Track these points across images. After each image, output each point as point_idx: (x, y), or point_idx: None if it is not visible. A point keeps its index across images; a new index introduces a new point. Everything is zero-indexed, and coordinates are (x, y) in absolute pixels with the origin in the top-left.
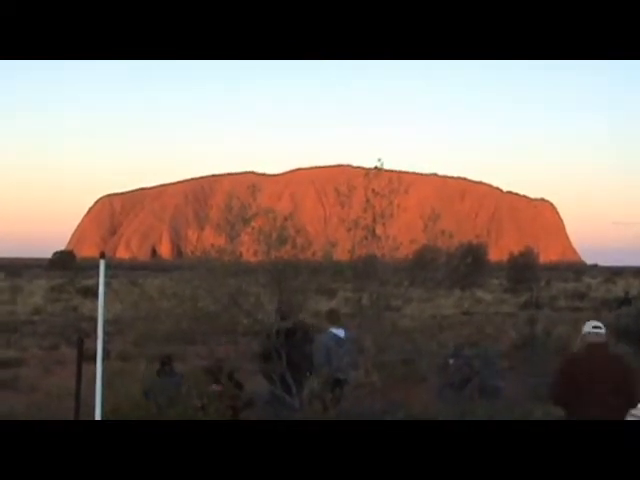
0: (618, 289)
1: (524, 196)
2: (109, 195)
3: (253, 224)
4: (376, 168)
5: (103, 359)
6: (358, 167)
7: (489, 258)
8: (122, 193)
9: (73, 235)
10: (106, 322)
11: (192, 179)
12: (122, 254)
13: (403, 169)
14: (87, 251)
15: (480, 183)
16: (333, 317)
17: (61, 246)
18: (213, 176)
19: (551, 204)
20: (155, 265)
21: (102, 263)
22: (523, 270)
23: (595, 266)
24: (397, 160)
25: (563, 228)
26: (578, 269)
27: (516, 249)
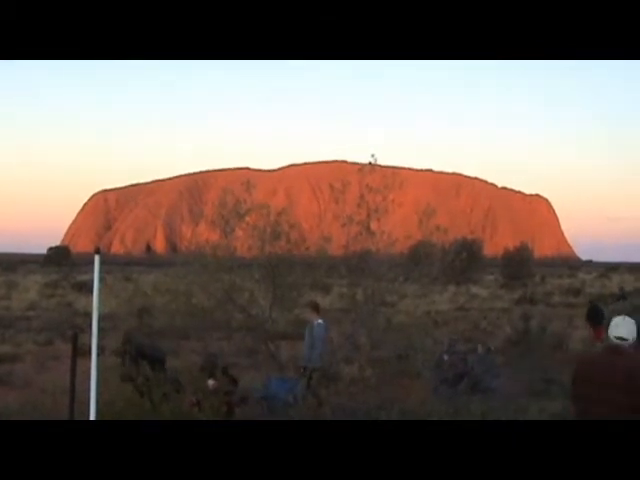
0: (613, 285)
1: (519, 192)
2: (104, 191)
3: (247, 219)
4: (370, 164)
5: (98, 355)
6: (353, 163)
7: (484, 254)
8: (116, 188)
9: (68, 231)
10: (101, 317)
11: (186, 175)
12: (117, 249)
13: (398, 165)
14: (82, 246)
15: (475, 179)
16: (317, 308)
17: (56, 242)
18: (208, 172)
19: (546, 200)
20: (149, 260)
21: (97, 258)
22: (518, 266)
23: (590, 262)
24: (392, 156)
25: (558, 224)
26: (573, 265)
27: (511, 245)
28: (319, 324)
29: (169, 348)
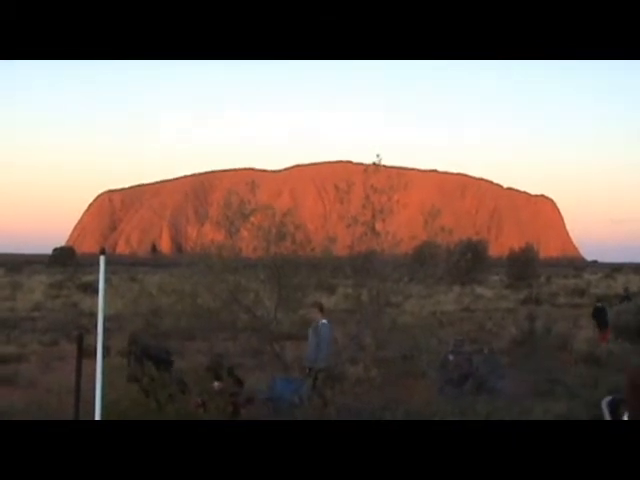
0: (618, 285)
1: (524, 192)
2: (109, 191)
3: (252, 220)
4: (374, 164)
5: (103, 355)
6: (359, 163)
7: (489, 254)
8: (122, 189)
9: (73, 231)
10: (106, 318)
11: (192, 175)
12: (122, 250)
13: (403, 165)
14: (87, 247)
15: (480, 179)
16: (322, 308)
17: (61, 242)
18: (213, 172)
19: (551, 200)
20: (155, 261)
21: (102, 259)
22: (523, 266)
23: (595, 262)
24: (397, 156)
25: (563, 224)
26: (578, 265)
27: (516, 245)
28: (324, 324)
29: (174, 349)
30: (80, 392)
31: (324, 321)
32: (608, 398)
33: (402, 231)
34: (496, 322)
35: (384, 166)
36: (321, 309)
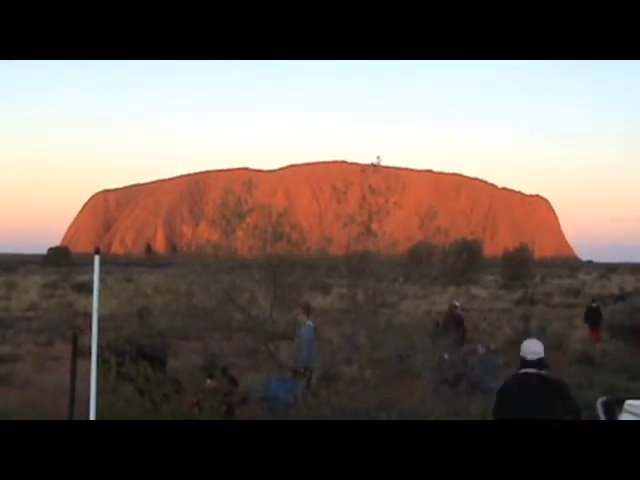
0: (613, 285)
1: (519, 192)
2: (104, 191)
3: (248, 220)
4: (373, 165)
5: (98, 355)
6: (354, 163)
7: (484, 254)
8: (117, 189)
9: (68, 231)
10: (101, 318)
11: (187, 175)
12: (117, 250)
13: (398, 165)
14: (82, 247)
15: (475, 179)
16: (307, 311)
17: (56, 242)
18: (207, 172)
19: (546, 200)
20: (150, 261)
21: (97, 259)
22: (518, 266)
23: (590, 262)
24: (392, 156)
25: (558, 224)
26: (573, 265)
27: (511, 245)
28: (308, 326)
29: (164, 348)
30: (75, 392)
31: (309, 323)
32: (603, 398)
33: (397, 231)
34: (491, 322)
35: (380, 166)
36: (306, 312)
